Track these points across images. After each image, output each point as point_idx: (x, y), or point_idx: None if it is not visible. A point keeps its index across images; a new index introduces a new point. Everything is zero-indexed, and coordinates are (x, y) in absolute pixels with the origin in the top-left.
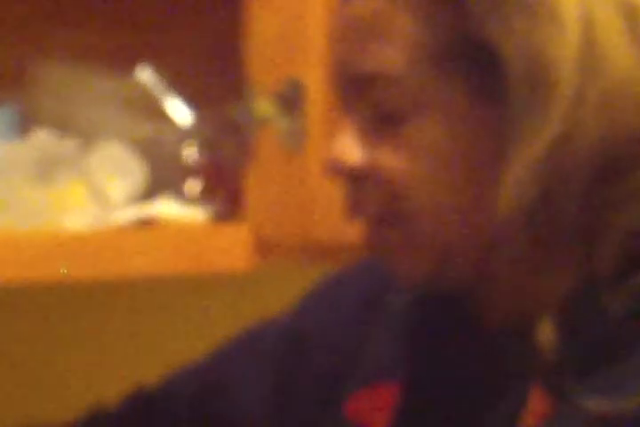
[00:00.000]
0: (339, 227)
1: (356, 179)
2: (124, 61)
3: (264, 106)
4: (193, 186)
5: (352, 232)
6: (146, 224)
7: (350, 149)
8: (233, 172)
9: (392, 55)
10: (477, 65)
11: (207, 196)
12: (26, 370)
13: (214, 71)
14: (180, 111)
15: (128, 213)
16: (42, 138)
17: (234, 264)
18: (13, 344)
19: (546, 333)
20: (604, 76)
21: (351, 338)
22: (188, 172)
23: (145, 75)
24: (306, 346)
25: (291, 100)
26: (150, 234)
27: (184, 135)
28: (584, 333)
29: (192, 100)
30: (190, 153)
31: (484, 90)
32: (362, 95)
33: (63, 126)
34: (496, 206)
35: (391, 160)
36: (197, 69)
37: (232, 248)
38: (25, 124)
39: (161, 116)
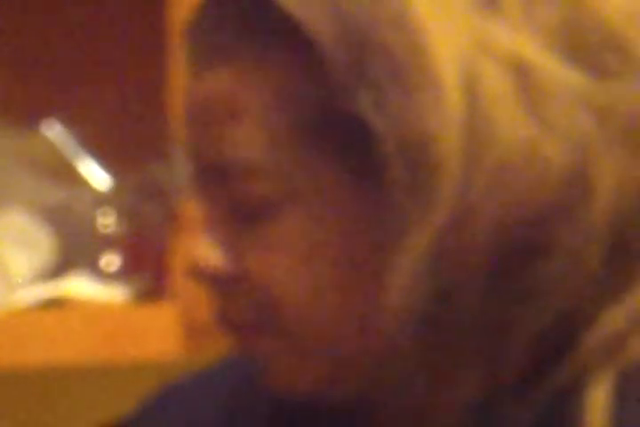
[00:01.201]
0: None
1: (225, 284)
2: (31, 116)
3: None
4: (111, 260)
5: None
6: (54, 305)
7: (212, 251)
8: (157, 243)
9: (248, 139)
10: (350, 144)
11: (127, 271)
12: None
13: (135, 129)
14: (95, 174)
15: (33, 292)
16: None
17: (160, 350)
18: None
19: None
20: (492, 153)
21: None
22: (105, 243)
23: (54, 131)
24: None
25: None
26: (60, 316)
27: (100, 201)
28: None
29: (109, 161)
30: (108, 222)
31: (361, 172)
32: (220, 187)
33: None
34: (380, 309)
35: (261, 263)
36: (116, 127)
37: (158, 331)
38: None
39: (73, 179)
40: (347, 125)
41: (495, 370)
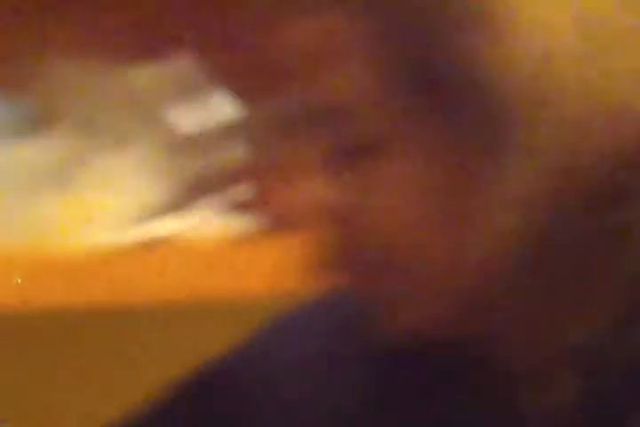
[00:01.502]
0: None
1: (341, 223)
2: (153, 53)
3: None
4: (233, 196)
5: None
6: (170, 242)
7: (316, 191)
8: (287, 177)
9: (344, 84)
10: (434, 90)
11: (251, 208)
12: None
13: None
14: (221, 102)
15: (150, 229)
16: (55, 142)
17: (283, 286)
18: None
19: (564, 383)
20: (571, 89)
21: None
22: (229, 179)
23: (184, 66)
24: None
25: None
26: (181, 254)
27: (226, 134)
28: (611, 386)
29: (237, 92)
30: (232, 156)
31: (445, 117)
32: (319, 131)
33: (79, 128)
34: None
35: (375, 202)
36: (243, 58)
37: (280, 267)
38: (37, 126)
39: (198, 106)
40: (429, 75)
41: (592, 313)
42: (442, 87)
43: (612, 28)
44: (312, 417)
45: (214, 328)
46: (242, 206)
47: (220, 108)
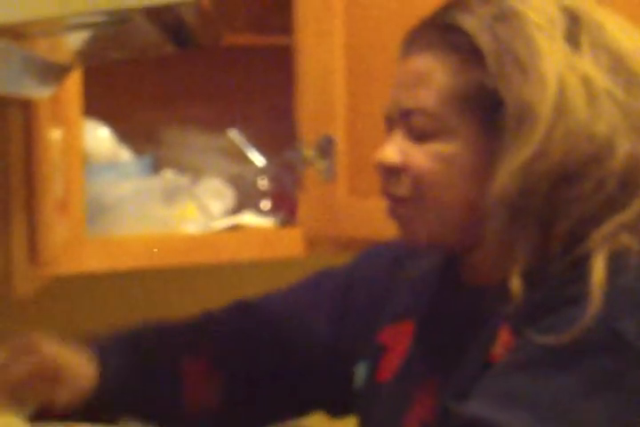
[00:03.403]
0: (357, 227)
1: (391, 172)
2: (220, 125)
3: (309, 153)
4: (265, 204)
5: (365, 230)
6: (235, 229)
7: (390, 153)
8: (290, 195)
9: (428, 97)
10: (485, 105)
11: (274, 210)
12: None
13: (277, 130)
14: (256, 156)
15: (223, 223)
16: (167, 175)
17: (292, 254)
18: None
19: (515, 287)
20: (566, 122)
21: (384, 289)
22: (262, 195)
23: (234, 134)
24: (354, 292)
25: (325, 149)
26: (238, 235)
27: (259, 172)
28: (538, 289)
29: (263, 149)
30: (263, 183)
31: (487, 122)
32: (403, 120)
33: (181, 168)
34: (486, 196)
35: (419, 162)
36: (266, 129)
37: (291, 244)
38: (157, 167)
39: (244, 160)
40: (486, 95)
41: (548, 240)
42: (478, 107)
43: None
44: None
45: (262, 278)
46: (270, 210)
47: (256, 157)
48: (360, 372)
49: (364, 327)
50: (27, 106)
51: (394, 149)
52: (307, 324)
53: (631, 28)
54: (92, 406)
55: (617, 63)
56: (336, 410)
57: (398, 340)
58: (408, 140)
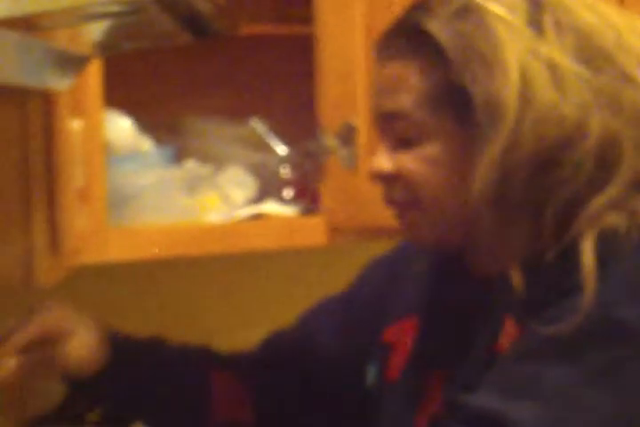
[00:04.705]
0: (380, 215)
1: (388, 180)
2: (241, 115)
3: (331, 141)
4: (287, 193)
5: (388, 218)
6: (257, 218)
7: (383, 162)
8: (313, 183)
9: (405, 100)
10: (456, 103)
11: (296, 199)
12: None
13: (298, 119)
14: (277, 145)
15: (245, 212)
16: (189, 165)
17: (315, 242)
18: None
19: (516, 279)
20: (533, 109)
21: (384, 292)
22: (284, 184)
23: (256, 123)
24: (356, 302)
25: (346, 137)
26: (260, 224)
27: (281, 161)
28: (538, 280)
29: (285, 138)
30: (285, 172)
31: (461, 119)
32: (387, 126)
33: (203, 157)
34: (473, 192)
35: (409, 167)
36: (288, 118)
37: (314, 232)
38: (179, 157)
39: (266, 148)
40: (457, 94)
41: (539, 229)
42: (451, 106)
43: None
44: None
45: (285, 266)
46: (292, 199)
47: (278, 146)
48: (370, 373)
49: (369, 330)
50: (47, 97)
51: (385, 159)
52: (318, 344)
53: (598, 2)
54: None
55: (583, 41)
56: (353, 413)
57: (403, 337)
58: (396, 148)
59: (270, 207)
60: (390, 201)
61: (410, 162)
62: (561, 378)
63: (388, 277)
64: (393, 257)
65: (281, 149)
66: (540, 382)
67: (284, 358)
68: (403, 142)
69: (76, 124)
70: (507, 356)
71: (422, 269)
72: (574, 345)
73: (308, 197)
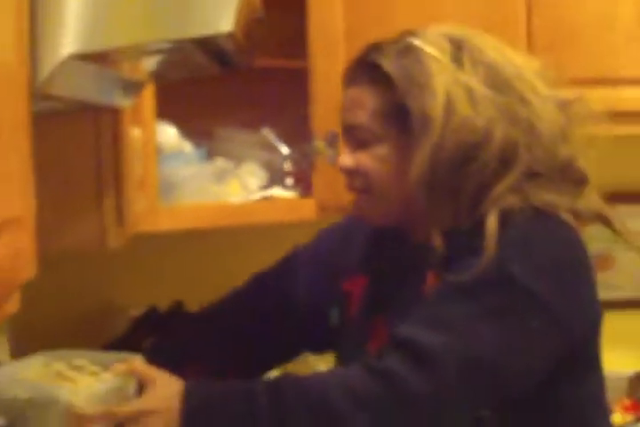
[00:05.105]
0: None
1: (349, 173)
2: (256, 125)
3: (320, 144)
4: (289, 181)
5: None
6: (267, 199)
7: (347, 160)
8: (307, 174)
9: (362, 115)
10: (400, 117)
11: (295, 185)
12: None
13: (297, 129)
14: (282, 147)
15: (258, 195)
16: (218, 162)
17: (308, 217)
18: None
19: (438, 243)
20: (454, 121)
21: (344, 250)
22: (287, 175)
23: (266, 131)
24: (322, 255)
25: (332, 141)
26: (269, 204)
27: (284, 158)
28: (453, 243)
29: (288, 142)
30: (287, 166)
31: (403, 128)
32: (350, 134)
33: (228, 156)
34: (410, 180)
35: (365, 164)
36: (289, 128)
37: (308, 210)
38: (211, 156)
39: (274, 150)
40: (399, 109)
41: (459, 205)
42: (397, 119)
43: None
44: None
45: (287, 235)
46: (292, 186)
47: (283, 148)
48: (333, 315)
49: (331, 281)
50: (114, 112)
51: (349, 157)
52: (288, 287)
53: (502, 46)
54: None
55: (492, 73)
56: (318, 348)
57: (356, 288)
58: (356, 150)
59: (276, 192)
60: (351, 188)
61: (365, 160)
62: (461, 313)
63: (341, 241)
64: (344, 225)
65: (284, 150)
66: (445, 317)
67: (268, 292)
68: (361, 145)
69: (136, 132)
70: (426, 299)
71: (367, 237)
72: (473, 290)
73: (303, 184)
